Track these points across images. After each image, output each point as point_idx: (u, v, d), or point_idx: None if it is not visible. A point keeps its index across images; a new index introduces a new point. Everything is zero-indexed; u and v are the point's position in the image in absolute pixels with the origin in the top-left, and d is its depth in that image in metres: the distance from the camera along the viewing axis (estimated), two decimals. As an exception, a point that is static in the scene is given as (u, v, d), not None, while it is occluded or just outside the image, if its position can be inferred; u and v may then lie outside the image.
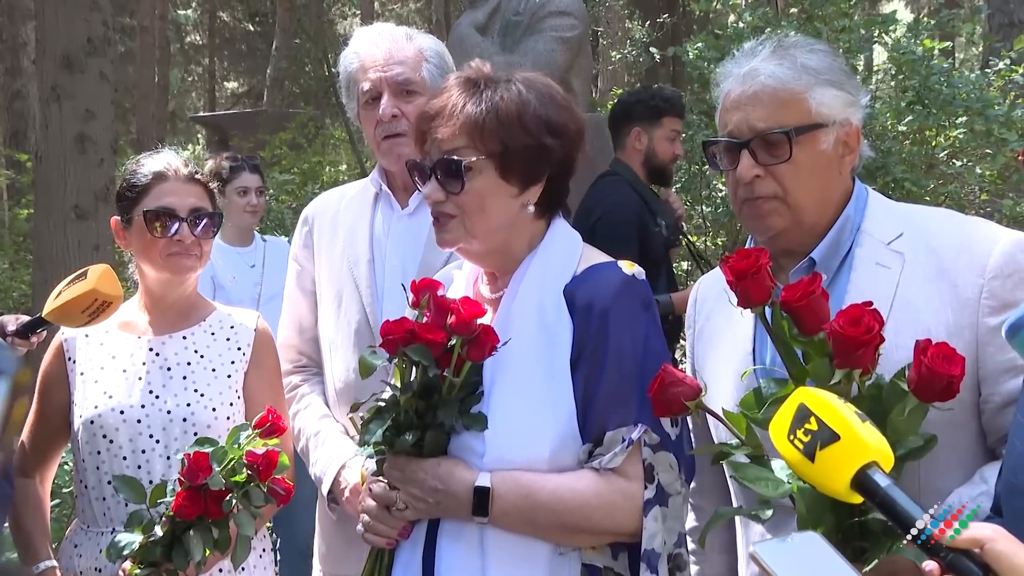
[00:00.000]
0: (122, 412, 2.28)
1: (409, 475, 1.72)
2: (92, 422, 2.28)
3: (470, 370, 1.69)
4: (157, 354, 2.35)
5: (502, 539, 1.69)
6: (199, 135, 21.77)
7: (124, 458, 2.26)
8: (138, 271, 2.41)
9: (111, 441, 2.27)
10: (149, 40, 16.36)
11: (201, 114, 19.67)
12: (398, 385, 1.71)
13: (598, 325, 1.71)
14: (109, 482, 2.25)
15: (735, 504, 1.89)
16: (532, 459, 1.69)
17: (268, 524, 5.41)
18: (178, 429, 2.27)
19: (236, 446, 2.02)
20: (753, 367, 1.76)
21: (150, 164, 2.37)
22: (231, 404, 2.34)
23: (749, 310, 1.58)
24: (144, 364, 2.33)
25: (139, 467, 2.25)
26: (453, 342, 1.66)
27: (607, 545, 1.74)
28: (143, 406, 2.28)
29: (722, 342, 1.89)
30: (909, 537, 1.17)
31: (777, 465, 1.48)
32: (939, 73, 5.92)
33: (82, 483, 2.32)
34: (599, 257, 1.83)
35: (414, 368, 1.68)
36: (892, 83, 7.03)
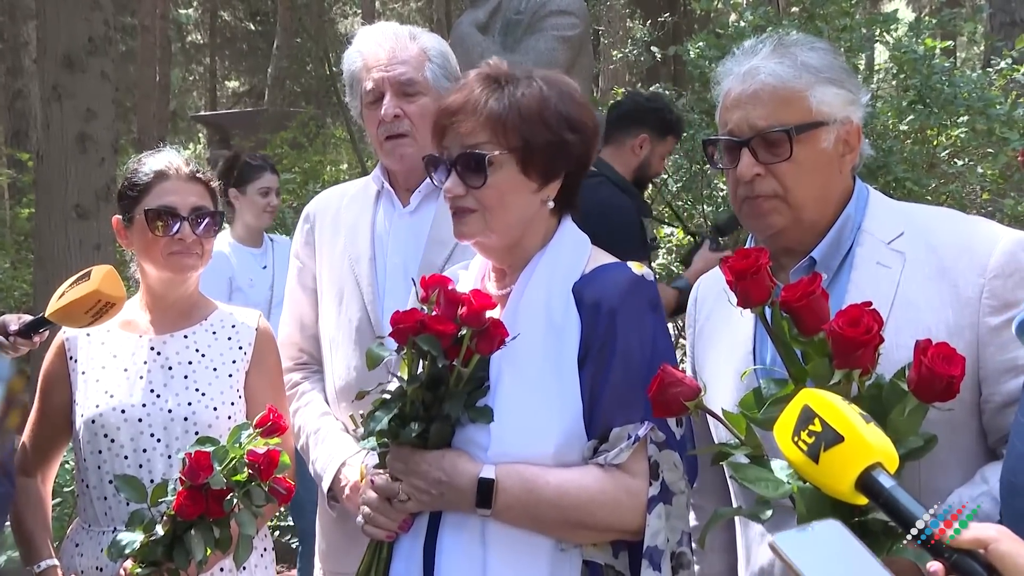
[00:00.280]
0: (123, 411, 2.28)
1: (412, 466, 1.72)
2: (93, 421, 2.28)
3: (476, 365, 1.70)
4: (159, 353, 2.35)
5: (504, 533, 1.70)
6: (200, 134, 21.77)
7: (125, 457, 2.26)
8: (139, 270, 2.41)
9: (112, 440, 2.27)
10: (150, 39, 16.36)
11: (202, 113, 19.67)
12: (404, 377, 1.71)
13: (606, 324, 1.72)
14: (110, 481, 2.25)
15: (734, 504, 1.89)
16: (537, 454, 1.70)
17: (279, 520, 5.43)
18: (179, 428, 2.27)
19: (237, 445, 2.02)
20: (753, 367, 1.76)
21: (151, 163, 2.37)
22: (232, 403, 2.34)
23: (749, 310, 1.58)
24: (145, 363, 2.34)
25: (140, 466, 2.26)
26: (463, 333, 1.67)
27: (608, 543, 1.74)
28: (144, 405, 2.28)
29: (722, 342, 1.89)
30: (910, 537, 1.17)
31: (777, 465, 1.48)
32: (940, 72, 5.90)
33: (83, 482, 2.32)
34: (608, 257, 1.84)
35: (421, 360, 1.69)
36: (893, 82, 7.01)
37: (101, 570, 2.24)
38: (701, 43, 6.42)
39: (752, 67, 1.78)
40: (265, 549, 2.42)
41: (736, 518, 1.90)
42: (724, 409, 1.58)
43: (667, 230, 6.88)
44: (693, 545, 1.79)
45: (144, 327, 2.39)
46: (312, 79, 18.56)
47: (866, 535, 1.41)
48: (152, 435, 2.27)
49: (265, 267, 4.61)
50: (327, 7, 20.40)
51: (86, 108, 6.00)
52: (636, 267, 1.79)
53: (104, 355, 2.36)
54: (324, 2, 19.38)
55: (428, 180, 2.38)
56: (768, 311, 1.54)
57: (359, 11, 20.40)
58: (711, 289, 1.99)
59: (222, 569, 2.26)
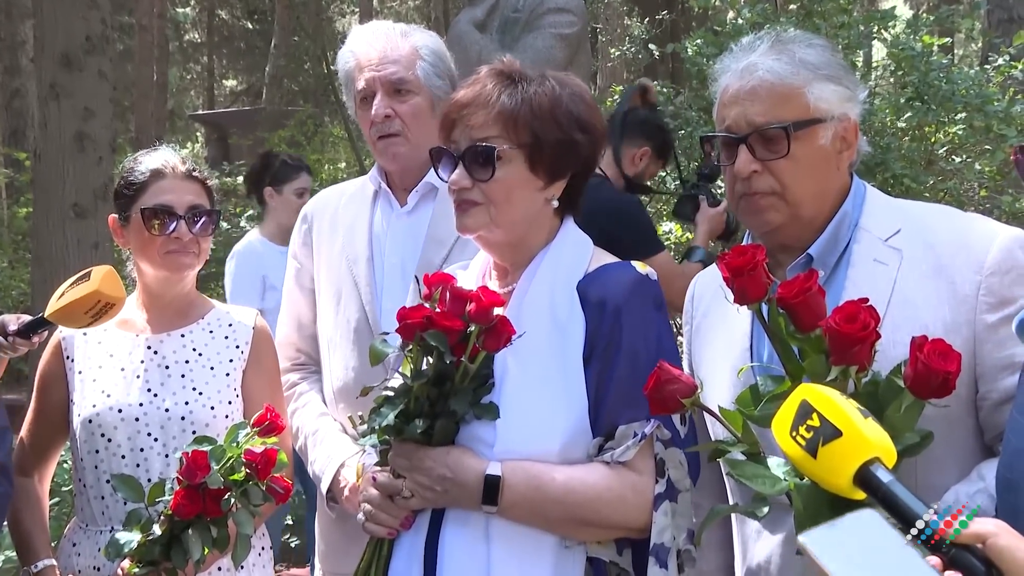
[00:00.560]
0: (120, 411, 2.27)
1: (416, 463, 1.72)
2: (90, 421, 2.27)
3: (482, 362, 1.70)
4: (155, 352, 2.35)
5: (508, 529, 1.70)
6: (198, 133, 21.78)
7: (123, 457, 2.26)
8: (136, 269, 2.41)
9: (109, 440, 2.27)
10: (148, 38, 16.33)
11: (200, 112, 19.67)
12: (408, 374, 1.71)
13: (612, 322, 1.72)
14: (108, 481, 2.25)
15: (731, 500, 1.89)
16: (542, 452, 1.70)
17: (288, 520, 5.43)
18: (176, 428, 2.27)
19: (235, 444, 2.02)
20: (750, 364, 1.76)
21: (148, 161, 2.36)
22: (229, 402, 2.33)
23: (746, 307, 1.58)
24: (142, 362, 2.33)
25: (137, 466, 2.25)
26: (470, 330, 1.67)
27: (612, 540, 1.75)
28: (141, 404, 2.28)
29: (718, 339, 1.89)
30: (912, 533, 1.17)
31: (774, 462, 1.48)
32: (938, 69, 5.90)
33: (81, 482, 2.32)
34: (610, 257, 1.85)
35: (427, 356, 1.69)
36: (891, 79, 7.01)
37: (98, 570, 2.24)
38: (699, 40, 6.42)
39: (750, 64, 1.78)
40: (263, 548, 2.42)
41: (732, 514, 1.90)
42: (721, 406, 1.58)
43: (665, 227, 6.87)
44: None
45: (141, 326, 2.39)
46: (310, 78, 18.54)
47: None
48: (149, 434, 2.27)
49: None
50: (325, 5, 20.37)
51: (84, 107, 6.01)
52: (640, 266, 1.80)
53: (101, 354, 2.35)
54: (322, 0, 19.36)
55: (425, 180, 2.40)
56: (765, 308, 1.54)
57: (357, 9, 20.35)
58: (708, 286, 1.98)
59: (220, 568, 2.26)
